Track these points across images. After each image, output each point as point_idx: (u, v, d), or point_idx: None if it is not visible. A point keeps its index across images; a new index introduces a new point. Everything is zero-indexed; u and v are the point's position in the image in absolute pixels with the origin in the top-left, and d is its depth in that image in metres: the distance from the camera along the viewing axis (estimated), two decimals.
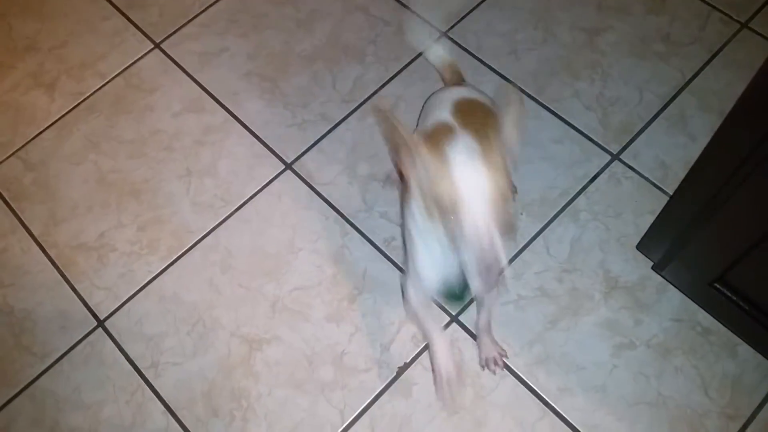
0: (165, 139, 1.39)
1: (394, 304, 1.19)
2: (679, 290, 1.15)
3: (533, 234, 1.24)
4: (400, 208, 1.21)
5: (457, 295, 1.15)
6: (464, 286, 0.90)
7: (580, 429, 1.08)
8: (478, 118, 0.93)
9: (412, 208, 0.88)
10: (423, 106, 1.11)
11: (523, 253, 1.22)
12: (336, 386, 1.14)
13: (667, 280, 1.16)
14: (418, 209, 0.83)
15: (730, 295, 1.02)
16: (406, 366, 1.15)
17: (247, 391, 1.14)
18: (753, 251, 0.91)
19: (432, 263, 0.91)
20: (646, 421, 1.08)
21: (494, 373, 1.13)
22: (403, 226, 1.15)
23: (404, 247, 1.14)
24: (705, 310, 1.14)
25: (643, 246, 1.16)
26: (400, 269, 1.22)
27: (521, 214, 1.25)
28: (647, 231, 1.13)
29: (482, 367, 1.13)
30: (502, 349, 1.13)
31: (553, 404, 1.10)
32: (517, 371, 1.13)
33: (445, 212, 0.73)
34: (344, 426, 1.11)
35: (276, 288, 1.22)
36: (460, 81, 1.17)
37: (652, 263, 1.17)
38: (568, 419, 1.09)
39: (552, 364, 1.13)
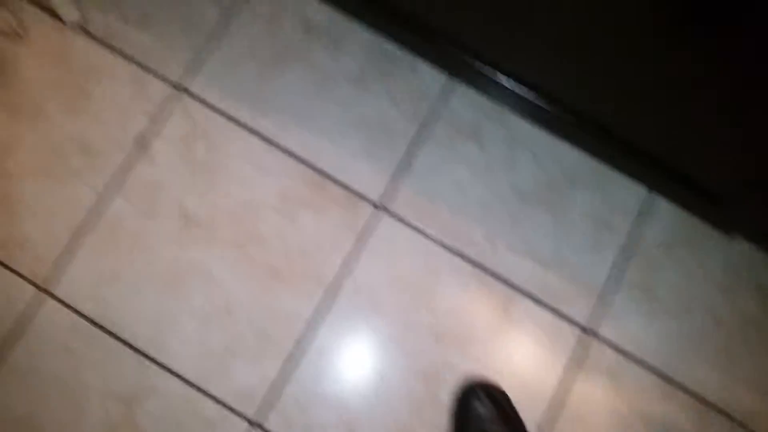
0: None
1: (131, 94, 1.29)
2: (342, 11, 1.31)
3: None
4: None
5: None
6: None
7: (299, 154, 1.29)
8: None
9: None
10: None
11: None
12: (88, 169, 1.27)
13: (336, 7, 1.31)
14: None
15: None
16: (144, 138, 1.29)
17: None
18: None
19: None
20: (356, 136, 1.30)
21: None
22: None
23: None
24: (370, 27, 1.31)
25: None
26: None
27: None
28: None
29: None
30: None
31: (280, 142, 1.29)
32: (243, 120, 1.30)
33: None
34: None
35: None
36: None
37: None
38: (290, 148, 1.29)
39: (268, 108, 1.30)
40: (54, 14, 1.30)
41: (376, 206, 1.27)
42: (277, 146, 1.28)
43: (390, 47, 1.32)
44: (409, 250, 1.25)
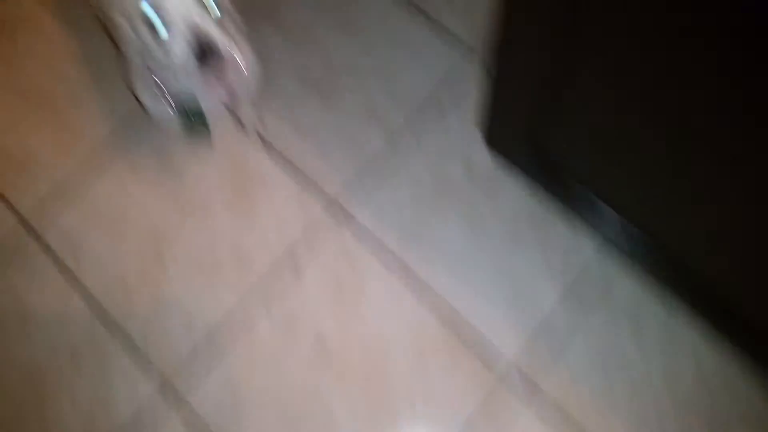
0: None
1: (290, 205, 1.32)
2: (508, 160, 1.28)
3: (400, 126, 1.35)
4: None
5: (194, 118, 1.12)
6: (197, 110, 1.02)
7: (440, 292, 1.25)
8: None
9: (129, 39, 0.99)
10: None
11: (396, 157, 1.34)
12: (237, 271, 1.29)
13: (502, 156, 1.29)
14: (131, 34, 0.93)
15: (540, 156, 1.14)
16: (295, 251, 1.30)
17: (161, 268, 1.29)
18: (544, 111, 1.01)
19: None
20: (502, 286, 1.25)
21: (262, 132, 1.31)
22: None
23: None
24: (533, 179, 1.27)
25: (484, 128, 1.27)
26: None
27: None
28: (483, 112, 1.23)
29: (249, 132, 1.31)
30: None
31: (424, 279, 1.26)
32: (392, 250, 1.28)
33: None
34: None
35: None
36: None
37: (485, 138, 1.29)
38: (433, 287, 1.26)
39: (417, 241, 1.28)
40: (233, 114, 1.37)
41: (512, 366, 1.19)
42: (420, 280, 1.26)
43: (549, 200, 1.27)
44: (539, 426, 1.16)
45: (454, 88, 1.38)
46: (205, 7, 0.89)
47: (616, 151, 0.97)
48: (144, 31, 0.88)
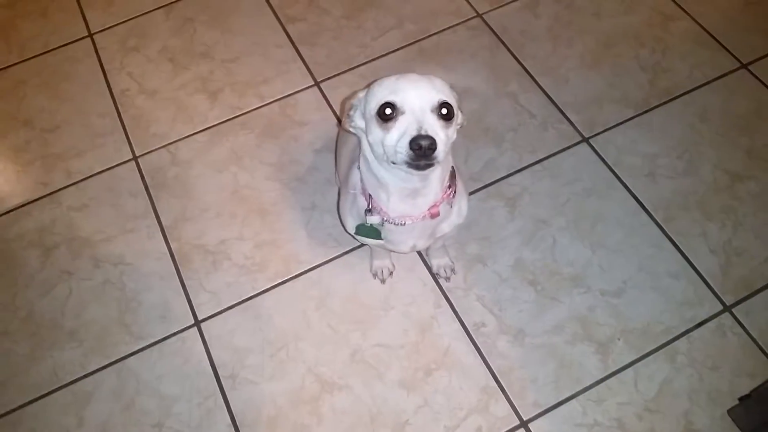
0: (301, 170, 1.48)
1: (467, 389, 1.20)
2: None
3: (625, 363, 1.21)
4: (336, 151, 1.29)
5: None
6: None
7: None
8: None
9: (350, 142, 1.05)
10: None
11: (610, 380, 1.20)
12: None
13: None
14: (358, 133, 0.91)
15: None
16: None
17: (308, 430, 1.18)
18: None
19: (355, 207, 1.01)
20: None
21: (447, 279, 1.30)
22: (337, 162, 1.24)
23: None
24: None
25: (734, 413, 1.12)
26: (482, 355, 1.23)
27: (618, 339, 1.23)
28: (744, 399, 1.09)
29: (436, 274, 1.31)
30: (452, 261, 1.31)
31: None
32: None
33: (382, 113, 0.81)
34: None
35: (361, 338, 1.26)
36: None
37: None
38: None
39: None
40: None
41: None
42: None
43: None
44: None
45: (697, 341, 1.24)
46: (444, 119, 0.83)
47: None
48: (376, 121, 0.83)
